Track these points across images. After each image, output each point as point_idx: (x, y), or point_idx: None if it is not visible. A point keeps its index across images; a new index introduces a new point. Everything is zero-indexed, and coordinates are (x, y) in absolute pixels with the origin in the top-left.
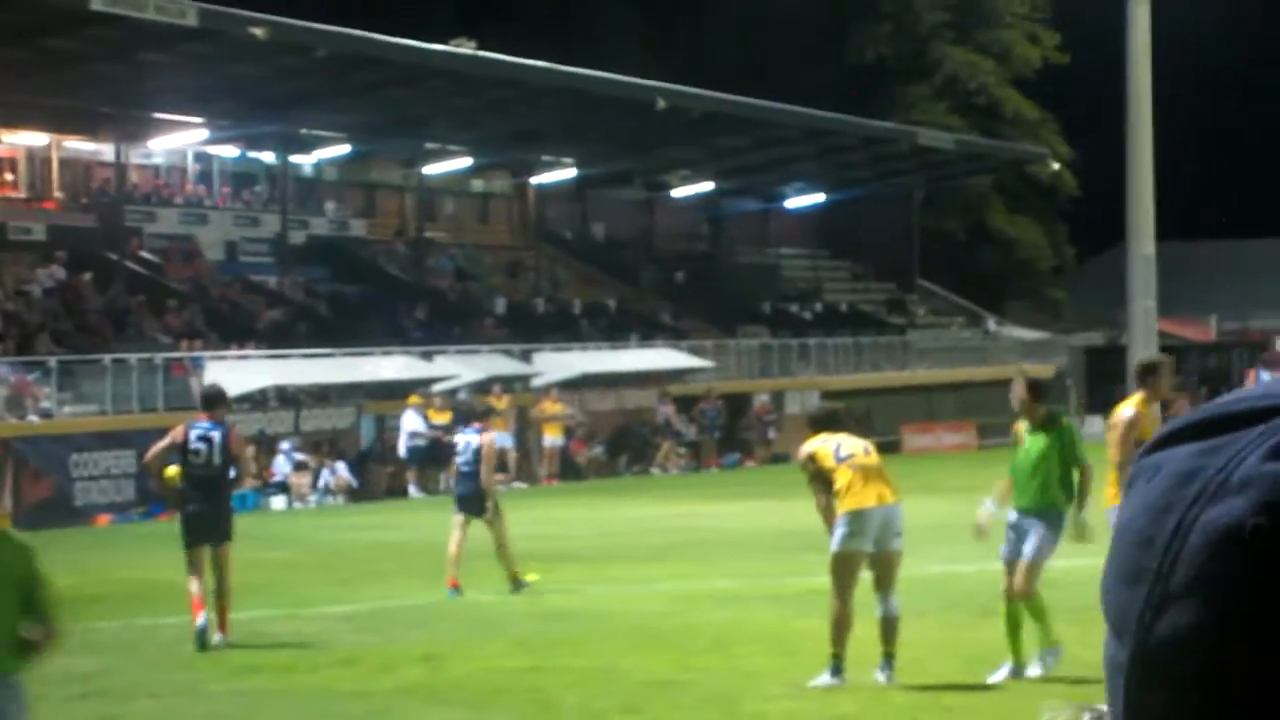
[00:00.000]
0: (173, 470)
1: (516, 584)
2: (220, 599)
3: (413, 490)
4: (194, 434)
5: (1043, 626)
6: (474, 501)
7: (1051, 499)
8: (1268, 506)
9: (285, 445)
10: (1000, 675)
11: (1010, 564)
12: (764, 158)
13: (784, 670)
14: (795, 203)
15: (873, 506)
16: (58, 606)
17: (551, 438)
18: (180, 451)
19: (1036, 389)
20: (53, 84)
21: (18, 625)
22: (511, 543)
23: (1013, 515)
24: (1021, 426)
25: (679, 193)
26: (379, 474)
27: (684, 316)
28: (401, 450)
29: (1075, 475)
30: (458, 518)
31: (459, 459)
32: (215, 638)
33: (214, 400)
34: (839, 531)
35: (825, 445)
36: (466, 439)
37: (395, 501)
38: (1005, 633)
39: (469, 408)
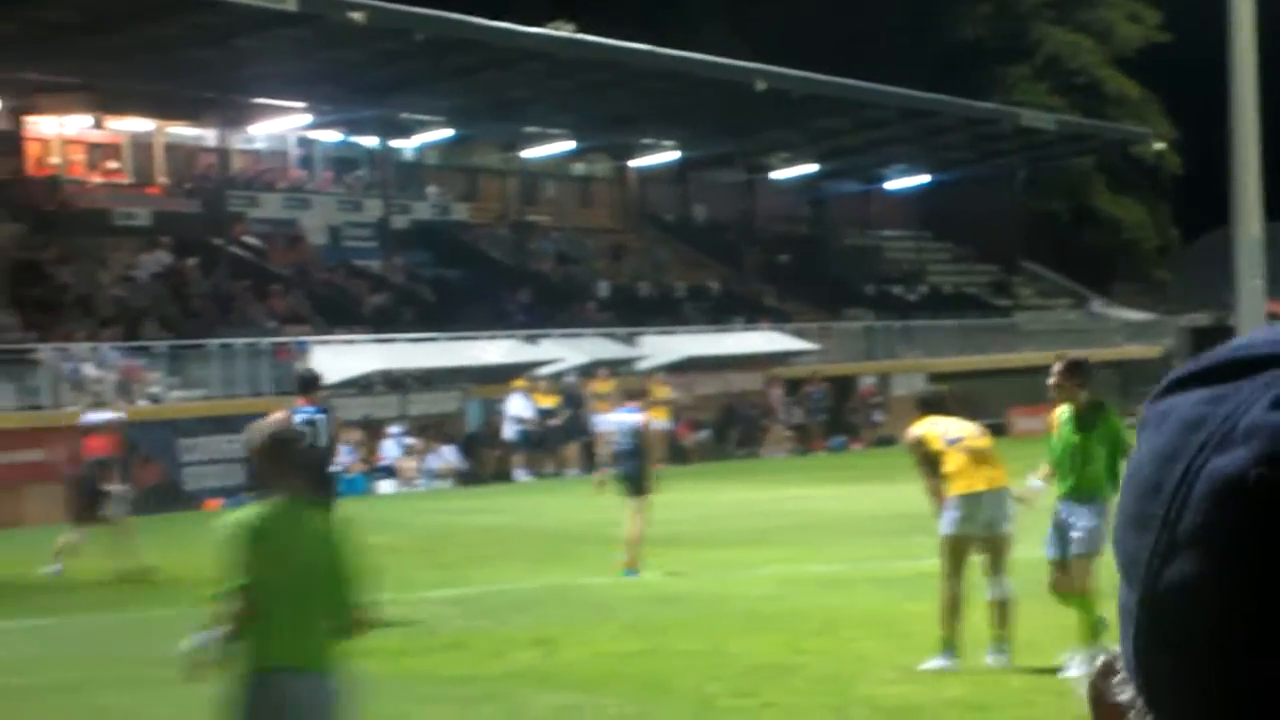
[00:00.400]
0: None
1: (633, 570)
2: None
3: (520, 474)
4: (299, 418)
5: (1087, 625)
6: (635, 481)
7: (1097, 487)
8: (1270, 458)
9: (394, 429)
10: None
11: (1057, 562)
12: (864, 139)
13: (894, 654)
14: (896, 184)
15: (983, 490)
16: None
17: (657, 421)
18: None
19: (1076, 372)
20: (156, 70)
21: (342, 611)
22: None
23: (1058, 506)
24: (1058, 412)
25: (780, 175)
26: (485, 458)
27: (788, 299)
28: (508, 434)
29: (1121, 464)
30: (628, 500)
31: (617, 439)
32: None
33: (310, 383)
34: (949, 515)
35: (934, 428)
36: (624, 419)
37: (502, 485)
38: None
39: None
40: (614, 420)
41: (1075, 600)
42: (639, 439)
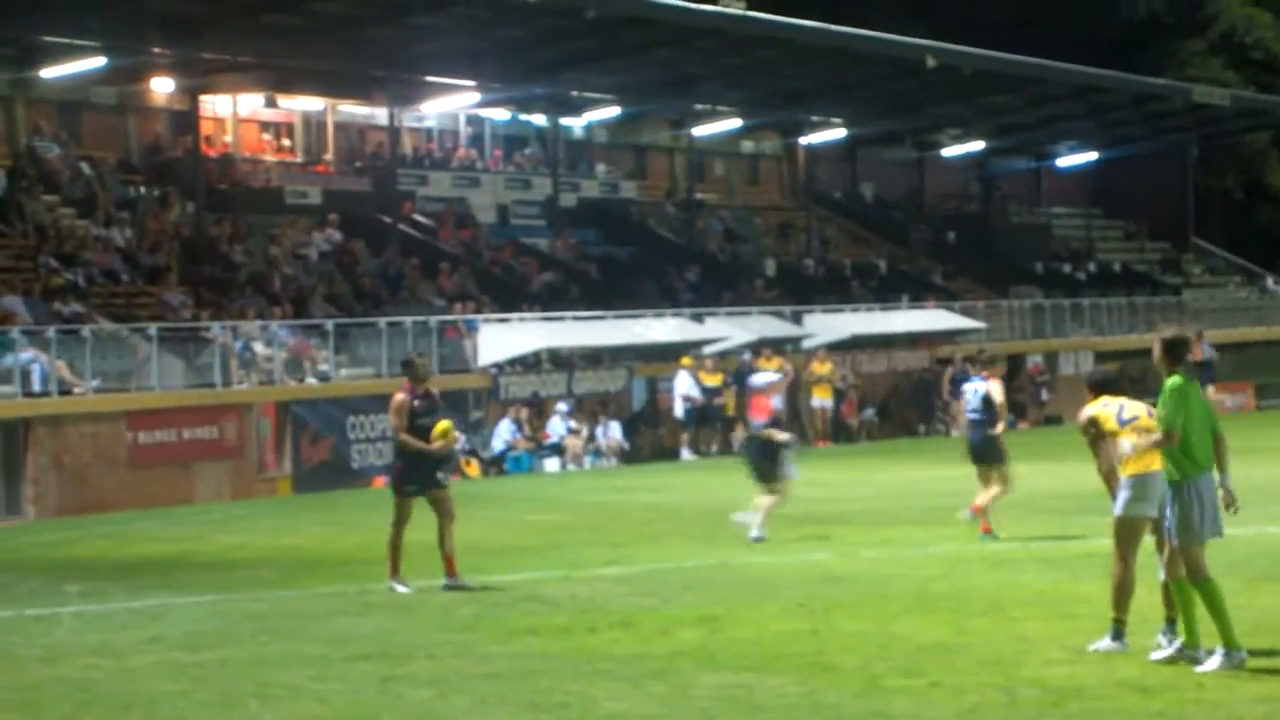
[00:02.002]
0: (445, 424)
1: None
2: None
3: (685, 453)
4: (417, 403)
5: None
6: (985, 449)
7: (1175, 464)
8: None
9: (562, 407)
10: (1211, 664)
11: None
12: (1034, 116)
13: (1062, 634)
14: (1067, 161)
15: (1158, 470)
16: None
17: (820, 399)
18: (410, 414)
19: (1172, 348)
20: (328, 49)
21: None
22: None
23: (1204, 482)
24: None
25: (949, 152)
26: (650, 436)
27: (955, 277)
28: (677, 412)
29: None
30: (977, 468)
31: (967, 408)
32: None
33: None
34: (1123, 495)
35: (1107, 409)
36: (974, 387)
37: (667, 464)
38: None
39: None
40: (967, 389)
41: (1177, 590)
42: (987, 407)
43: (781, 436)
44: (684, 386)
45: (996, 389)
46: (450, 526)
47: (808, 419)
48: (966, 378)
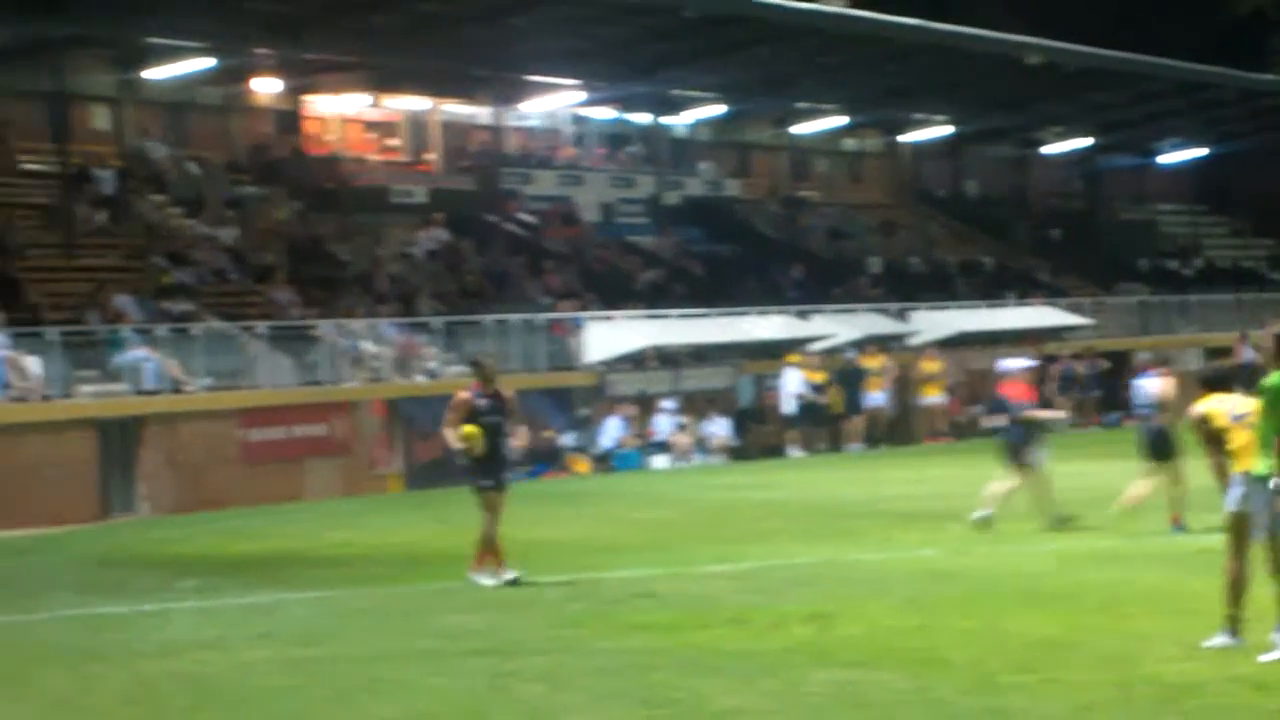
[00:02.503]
0: (470, 429)
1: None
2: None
3: (792, 450)
4: (482, 402)
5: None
6: (1159, 444)
7: (1253, 463)
8: None
9: (667, 405)
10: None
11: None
12: (1139, 113)
13: (1176, 631)
14: (1172, 158)
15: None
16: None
17: (931, 397)
18: (473, 412)
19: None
20: (432, 48)
21: None
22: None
23: None
24: None
25: (1053, 149)
26: (757, 433)
27: (1061, 274)
28: (786, 409)
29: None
30: (1145, 465)
31: (1137, 405)
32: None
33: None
34: (1235, 491)
35: (1218, 405)
36: (1144, 384)
37: (774, 461)
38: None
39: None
40: (1137, 386)
41: None
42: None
43: (1047, 416)
44: (793, 384)
45: (1168, 386)
46: (496, 526)
47: (916, 417)
48: (1071, 374)
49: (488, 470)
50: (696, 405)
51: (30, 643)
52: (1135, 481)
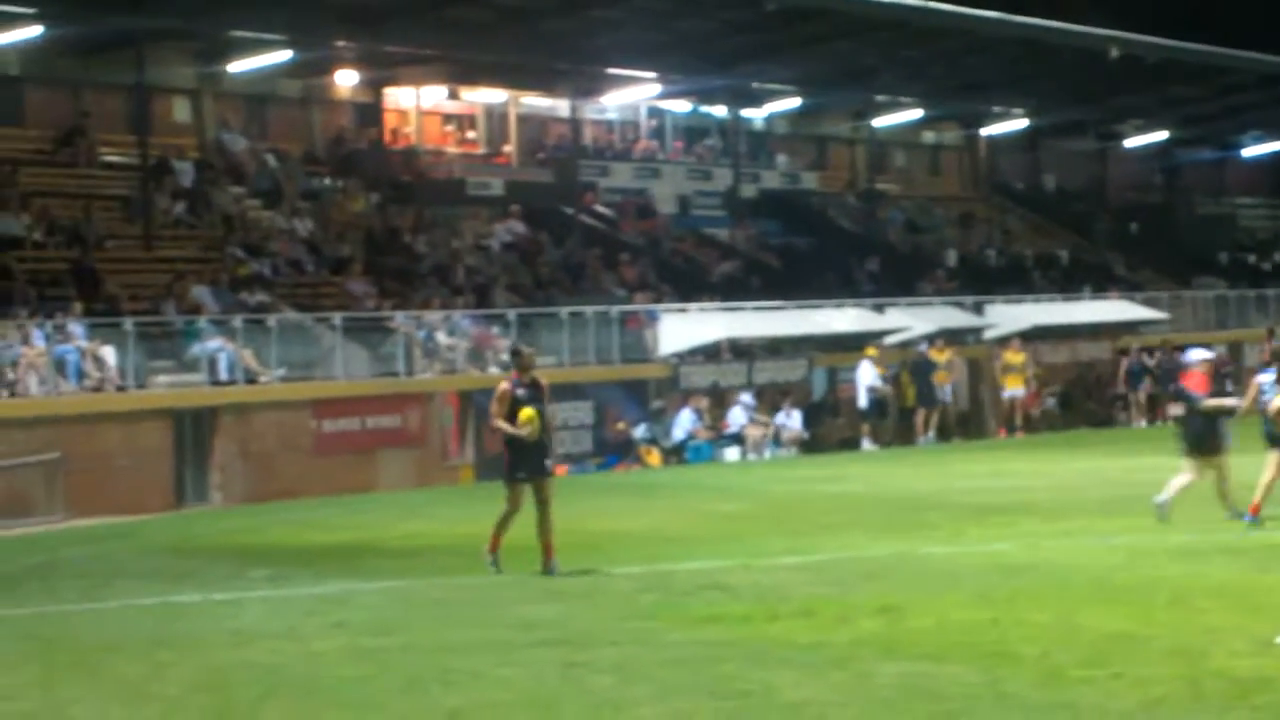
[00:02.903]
0: (529, 411)
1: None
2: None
3: (866, 444)
4: (520, 392)
5: None
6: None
7: None
8: None
9: (744, 398)
10: None
11: None
12: (1219, 106)
13: (1248, 626)
14: (1252, 151)
15: None
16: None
17: (1012, 389)
18: (513, 402)
19: None
20: (511, 41)
21: None
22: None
23: None
24: None
25: (1132, 142)
26: (830, 426)
27: (1138, 267)
28: (861, 402)
29: None
30: (1271, 453)
31: (1264, 397)
32: None
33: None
34: None
35: None
36: (1268, 378)
37: (846, 454)
38: None
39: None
40: (1261, 380)
41: None
42: None
43: (1229, 404)
44: (867, 377)
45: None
46: (549, 515)
47: (993, 409)
48: (1141, 368)
49: (525, 460)
50: (769, 398)
51: (103, 631)
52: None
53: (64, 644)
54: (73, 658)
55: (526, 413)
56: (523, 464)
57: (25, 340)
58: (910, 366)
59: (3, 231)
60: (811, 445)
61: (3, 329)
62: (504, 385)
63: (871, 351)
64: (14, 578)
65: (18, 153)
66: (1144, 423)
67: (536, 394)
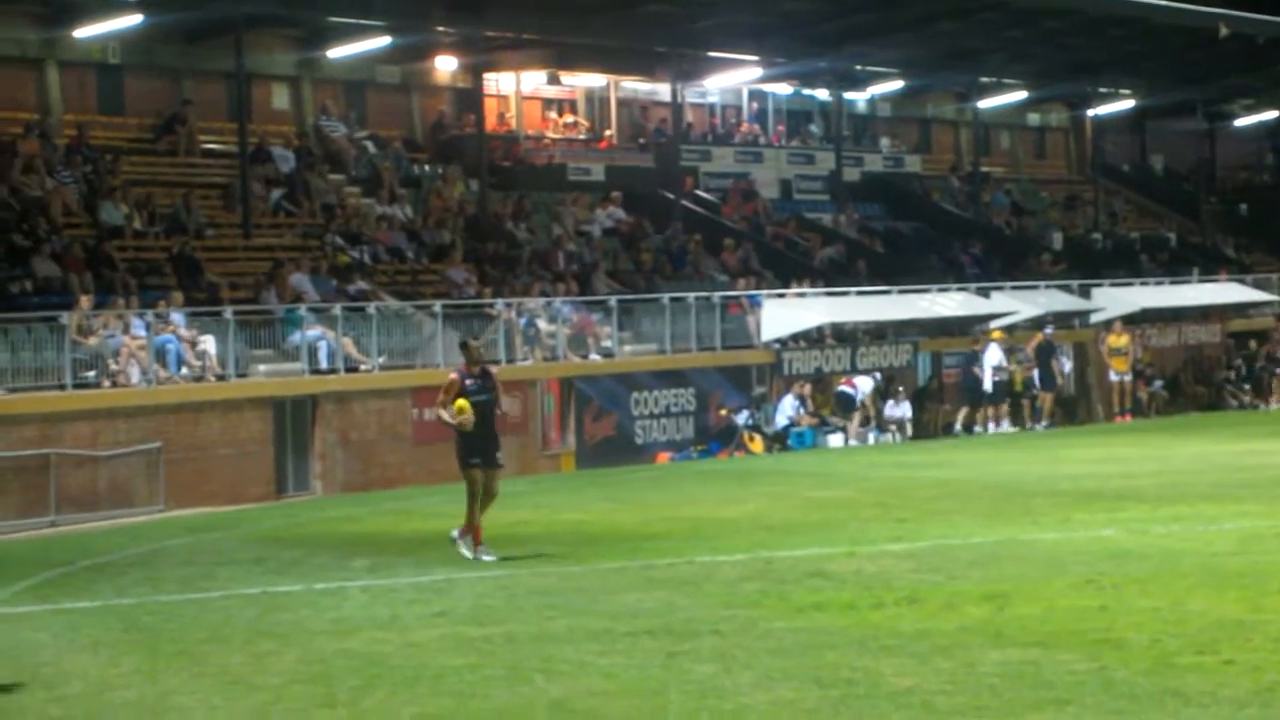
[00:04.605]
0: (462, 402)
1: None
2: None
3: (993, 427)
4: (469, 382)
5: None
6: None
7: None
8: None
9: (861, 380)
10: None
11: None
12: None
13: None
14: None
15: None
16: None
17: (1118, 372)
18: (460, 392)
19: None
20: (611, 25)
21: None
22: None
23: None
24: None
25: (1241, 122)
26: (935, 411)
27: (1247, 249)
28: (987, 385)
29: None
30: None
31: None
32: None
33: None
34: None
35: None
36: None
37: (951, 440)
38: None
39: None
40: None
41: None
42: None
43: None
44: (995, 359)
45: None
46: (490, 505)
47: (1100, 393)
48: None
49: (477, 447)
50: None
51: (205, 621)
52: None
53: (167, 634)
54: (176, 647)
55: (460, 404)
56: (475, 452)
57: (126, 330)
58: (1038, 349)
59: (104, 220)
60: (917, 430)
61: (104, 318)
62: (452, 376)
63: (997, 334)
64: (117, 568)
65: (118, 141)
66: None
67: (486, 385)
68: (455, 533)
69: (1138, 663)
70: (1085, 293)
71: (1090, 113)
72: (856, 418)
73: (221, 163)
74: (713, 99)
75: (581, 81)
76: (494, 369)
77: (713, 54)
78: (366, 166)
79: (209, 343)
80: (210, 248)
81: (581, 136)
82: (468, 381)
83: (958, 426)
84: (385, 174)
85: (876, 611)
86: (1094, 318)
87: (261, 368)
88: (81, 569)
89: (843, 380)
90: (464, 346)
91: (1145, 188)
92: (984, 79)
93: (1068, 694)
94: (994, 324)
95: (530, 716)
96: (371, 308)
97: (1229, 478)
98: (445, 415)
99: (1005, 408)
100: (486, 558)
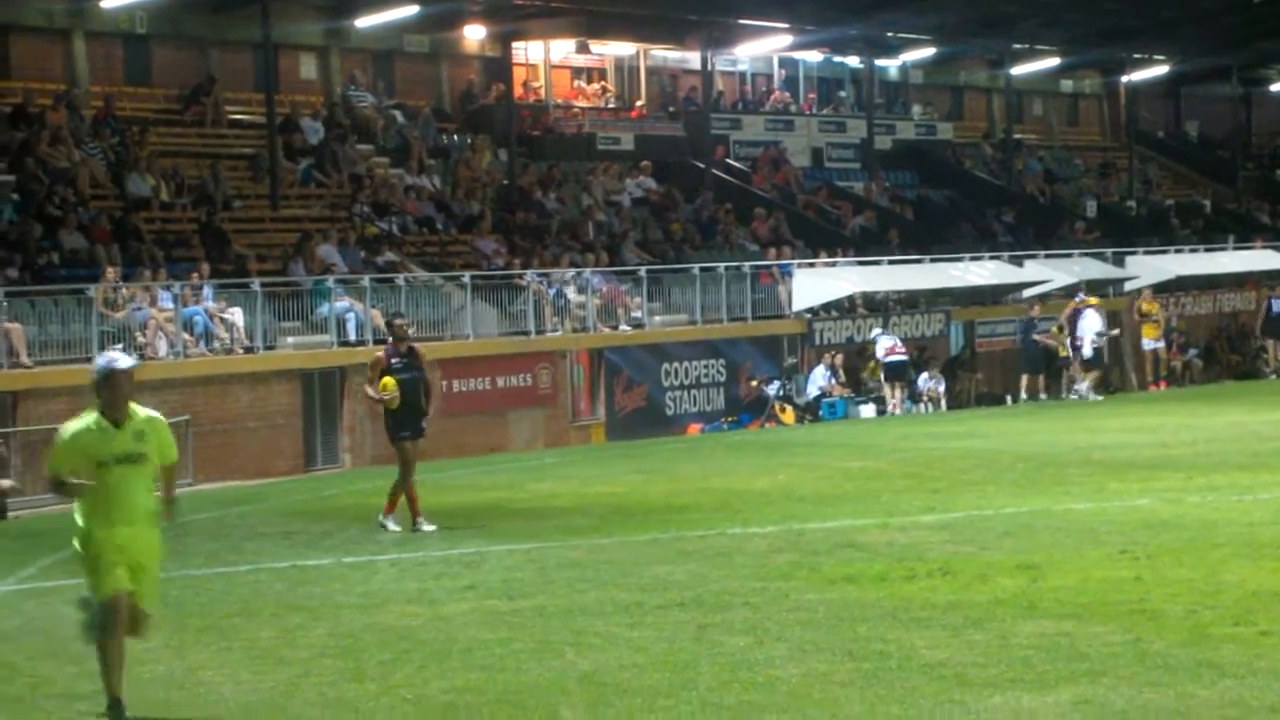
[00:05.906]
0: (387, 380)
1: None
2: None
3: (1090, 395)
4: (395, 360)
5: None
6: None
7: None
8: None
9: (885, 339)
10: None
11: None
12: None
13: None
14: None
15: None
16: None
17: (1151, 340)
18: (386, 370)
19: None
20: None
21: None
22: None
23: None
24: None
25: (1277, 87)
26: (967, 381)
27: None
28: (1087, 351)
29: None
30: None
31: None
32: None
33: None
34: None
35: None
36: None
37: (984, 410)
38: None
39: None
40: None
41: None
42: None
43: None
44: (1095, 324)
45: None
46: (409, 477)
47: (1134, 362)
48: None
49: (405, 422)
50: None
51: (234, 594)
52: None
53: (195, 608)
54: (204, 622)
55: (386, 382)
56: (404, 425)
57: (153, 302)
58: (1066, 319)
59: (131, 192)
60: (949, 401)
61: (131, 290)
62: (378, 354)
63: (1093, 300)
64: None
65: (145, 112)
66: None
67: (413, 362)
68: (381, 515)
69: (1173, 634)
70: (1119, 260)
71: (1124, 79)
72: (900, 389)
73: (249, 133)
74: (743, 67)
75: (611, 50)
76: (420, 346)
77: (743, 21)
78: (395, 137)
79: (237, 315)
80: (238, 219)
81: (611, 105)
82: (393, 360)
83: (1023, 394)
84: (414, 144)
85: (909, 583)
86: (1128, 285)
87: (290, 340)
88: None
89: (888, 349)
90: (390, 325)
91: (1180, 154)
92: (1017, 45)
93: (1102, 665)
94: (1026, 293)
95: (561, 690)
96: (400, 279)
97: (1264, 446)
98: (371, 392)
99: (1099, 374)
100: (427, 528)
